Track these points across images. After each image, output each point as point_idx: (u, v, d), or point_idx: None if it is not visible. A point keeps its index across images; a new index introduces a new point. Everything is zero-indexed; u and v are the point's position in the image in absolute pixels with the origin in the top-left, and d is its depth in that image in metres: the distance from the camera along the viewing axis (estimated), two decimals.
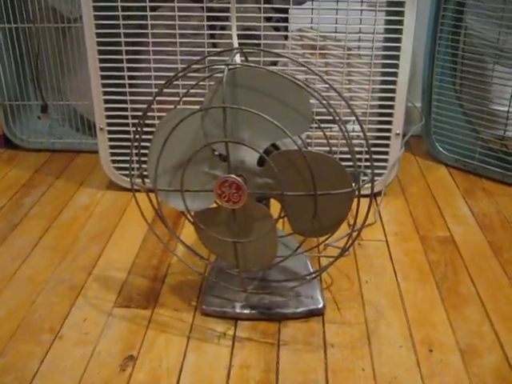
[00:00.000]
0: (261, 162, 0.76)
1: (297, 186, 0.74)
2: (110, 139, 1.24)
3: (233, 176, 0.74)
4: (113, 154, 1.26)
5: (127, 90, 1.19)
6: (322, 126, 0.85)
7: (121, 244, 1.10)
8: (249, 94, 0.73)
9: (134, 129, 1.21)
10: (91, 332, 0.87)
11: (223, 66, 0.71)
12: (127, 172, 1.27)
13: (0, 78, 1.45)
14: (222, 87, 0.71)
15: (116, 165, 1.28)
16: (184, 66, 1.13)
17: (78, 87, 1.45)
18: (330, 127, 1.20)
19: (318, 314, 0.90)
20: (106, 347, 0.84)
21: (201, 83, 1.05)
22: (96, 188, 1.32)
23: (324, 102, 0.71)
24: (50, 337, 0.86)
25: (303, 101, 0.72)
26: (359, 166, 1.22)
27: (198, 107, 0.76)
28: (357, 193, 0.73)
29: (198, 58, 0.84)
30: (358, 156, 1.23)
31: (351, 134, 1.21)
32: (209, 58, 1.08)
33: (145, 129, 0.83)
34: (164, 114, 0.80)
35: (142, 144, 0.82)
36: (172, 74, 0.78)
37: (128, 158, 1.25)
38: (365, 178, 1.20)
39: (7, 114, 1.49)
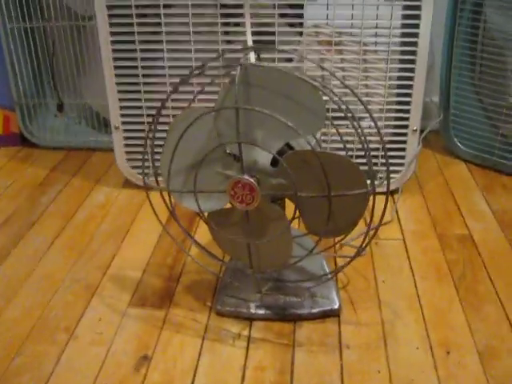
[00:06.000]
0: (274, 162, 0.75)
1: (311, 186, 0.73)
2: (125, 138, 1.24)
3: (246, 177, 0.73)
4: (128, 153, 1.26)
5: (142, 88, 1.19)
6: (336, 123, 0.83)
7: (136, 243, 1.10)
8: (262, 93, 0.72)
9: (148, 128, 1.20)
10: (106, 332, 0.87)
11: (236, 65, 0.71)
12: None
13: (16, 76, 1.45)
14: (234, 87, 0.70)
15: (131, 163, 1.27)
16: (198, 64, 1.12)
17: (94, 85, 1.45)
18: (346, 125, 1.19)
19: (333, 314, 0.89)
20: (121, 347, 0.84)
21: (215, 81, 1.05)
22: (112, 186, 1.32)
23: (336, 99, 0.70)
24: (66, 336, 0.87)
25: (316, 99, 0.70)
26: (375, 164, 1.20)
27: (211, 106, 0.75)
28: (372, 192, 0.72)
29: (212, 56, 0.82)
30: (375, 153, 1.21)
31: (367, 130, 1.20)
32: (223, 56, 1.07)
33: (159, 127, 0.83)
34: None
35: (157, 143, 0.81)
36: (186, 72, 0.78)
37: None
38: (381, 176, 1.19)
39: (24, 112, 1.49)
